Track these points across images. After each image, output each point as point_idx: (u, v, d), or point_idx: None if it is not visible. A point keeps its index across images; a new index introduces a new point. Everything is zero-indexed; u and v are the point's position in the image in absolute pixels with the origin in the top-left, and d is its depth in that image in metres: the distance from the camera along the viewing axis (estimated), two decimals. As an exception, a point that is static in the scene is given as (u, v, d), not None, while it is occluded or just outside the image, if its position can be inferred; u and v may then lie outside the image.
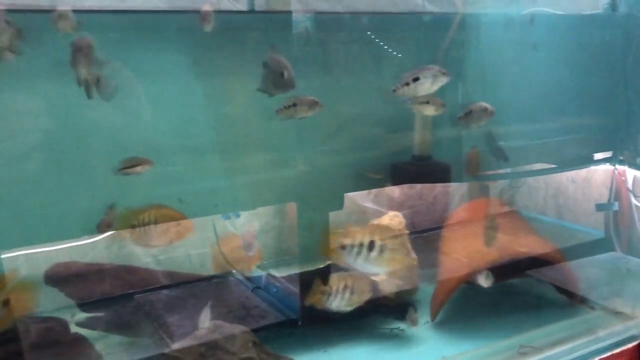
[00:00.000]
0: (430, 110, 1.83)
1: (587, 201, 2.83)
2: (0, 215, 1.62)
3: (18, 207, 1.64)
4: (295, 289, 2.19)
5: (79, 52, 1.45)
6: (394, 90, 1.70)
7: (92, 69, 1.46)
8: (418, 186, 2.93)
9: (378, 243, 1.69)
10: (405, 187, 2.89)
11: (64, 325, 1.83)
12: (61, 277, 2.03)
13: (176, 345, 1.70)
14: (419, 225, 2.97)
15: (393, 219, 2.26)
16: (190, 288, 2.41)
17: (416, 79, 1.69)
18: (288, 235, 2.60)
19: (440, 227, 2.89)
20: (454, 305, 2.24)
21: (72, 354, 1.80)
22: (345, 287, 1.72)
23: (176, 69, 1.79)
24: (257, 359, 1.60)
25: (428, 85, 1.68)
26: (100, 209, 1.68)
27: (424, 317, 2.15)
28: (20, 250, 1.96)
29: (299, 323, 2.07)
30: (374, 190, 2.77)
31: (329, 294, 1.72)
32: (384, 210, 2.83)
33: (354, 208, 2.70)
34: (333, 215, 2.06)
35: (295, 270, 2.34)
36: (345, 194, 2.13)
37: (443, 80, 1.69)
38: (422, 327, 2.12)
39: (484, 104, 1.87)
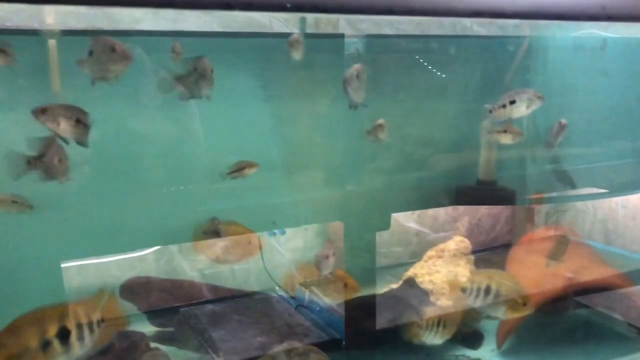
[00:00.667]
0: (507, 139, 1.83)
1: (638, 227, 2.76)
2: (62, 226, 1.67)
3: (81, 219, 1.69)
4: (339, 308, 2.20)
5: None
6: (490, 112, 1.72)
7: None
8: (462, 208, 2.91)
9: (494, 289, 1.70)
10: (449, 209, 2.88)
11: (144, 339, 1.87)
12: (136, 291, 2.08)
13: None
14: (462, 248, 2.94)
15: (459, 243, 2.26)
16: (233, 303, 2.43)
17: (513, 102, 1.70)
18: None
19: (483, 250, 2.86)
20: (521, 334, 2.18)
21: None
22: (439, 321, 1.74)
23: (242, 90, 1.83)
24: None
25: (523, 108, 1.70)
26: (158, 224, 1.72)
27: (489, 344, 2.11)
28: (75, 262, 2.02)
29: (343, 343, 2.07)
30: (417, 212, 2.76)
31: (424, 328, 1.74)
32: (427, 231, 2.82)
33: (397, 228, 2.70)
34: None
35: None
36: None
37: (538, 104, 1.70)
38: (487, 354, 2.08)
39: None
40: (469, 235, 3.00)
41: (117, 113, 1.70)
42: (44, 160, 1.31)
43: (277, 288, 2.52)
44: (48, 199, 1.60)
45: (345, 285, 1.74)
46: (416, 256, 2.78)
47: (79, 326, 1.27)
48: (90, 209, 1.73)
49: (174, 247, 2.36)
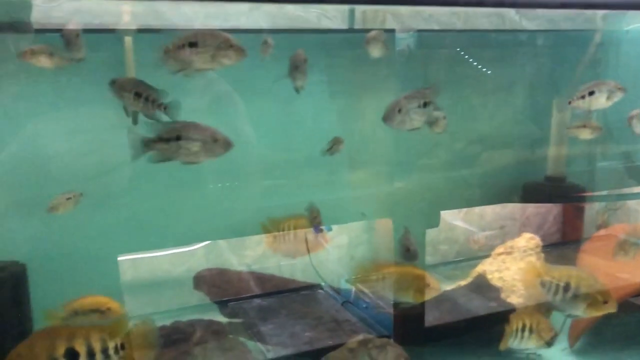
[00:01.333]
0: (586, 134, 1.80)
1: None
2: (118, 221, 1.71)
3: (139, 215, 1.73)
4: (386, 305, 2.20)
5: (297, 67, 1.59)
6: (570, 102, 1.70)
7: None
8: (510, 206, 2.87)
9: (573, 285, 1.68)
10: (497, 207, 2.84)
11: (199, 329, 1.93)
12: (208, 282, 2.12)
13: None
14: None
15: (529, 241, 2.24)
16: (280, 298, 2.45)
17: (592, 93, 1.67)
18: (378, 250, 2.60)
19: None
20: (594, 333, 2.14)
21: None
22: (524, 326, 1.72)
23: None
24: (408, 374, 1.60)
25: (603, 100, 1.67)
26: (209, 219, 1.75)
27: (561, 342, 2.04)
28: (128, 255, 2.07)
29: (391, 340, 2.06)
30: (464, 210, 2.74)
31: (515, 335, 1.72)
32: (473, 229, 2.80)
33: (443, 226, 2.68)
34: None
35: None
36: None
37: (619, 96, 1.67)
38: (559, 353, 2.05)
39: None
40: (517, 233, 2.96)
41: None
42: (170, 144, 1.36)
43: (322, 284, 2.53)
44: (110, 196, 1.65)
45: (427, 284, 1.73)
46: (462, 255, 2.76)
47: (90, 350, 1.28)
48: (149, 203, 1.76)
49: (223, 243, 2.39)
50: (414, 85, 1.82)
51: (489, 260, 2.45)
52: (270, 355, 1.94)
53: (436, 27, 2.25)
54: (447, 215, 2.66)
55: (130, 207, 1.80)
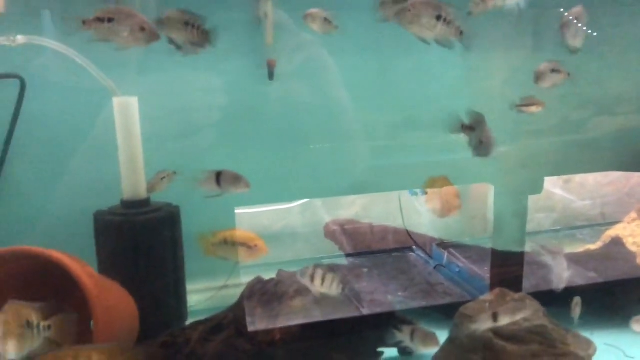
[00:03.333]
0: None
1: None
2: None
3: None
4: (480, 270, 2.19)
5: None
6: None
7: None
8: (613, 174, 2.76)
9: None
10: (599, 175, 2.74)
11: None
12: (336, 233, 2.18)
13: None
14: (609, 216, 2.80)
15: None
16: (372, 259, 2.48)
17: None
18: (471, 216, 2.58)
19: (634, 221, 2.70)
20: None
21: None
22: None
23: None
24: (549, 328, 1.59)
25: None
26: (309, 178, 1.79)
27: None
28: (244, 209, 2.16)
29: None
30: (564, 177, 2.66)
31: None
32: (572, 198, 2.71)
33: (541, 194, 2.62)
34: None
35: (481, 252, 2.34)
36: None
37: None
38: None
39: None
40: (618, 203, 2.85)
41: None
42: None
43: (413, 247, 2.55)
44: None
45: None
46: (559, 224, 2.69)
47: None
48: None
49: (318, 202, 2.44)
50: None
51: (621, 225, 2.38)
52: (365, 312, 1.98)
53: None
54: (546, 183, 2.59)
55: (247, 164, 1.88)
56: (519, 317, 1.53)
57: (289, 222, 2.39)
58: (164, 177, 1.73)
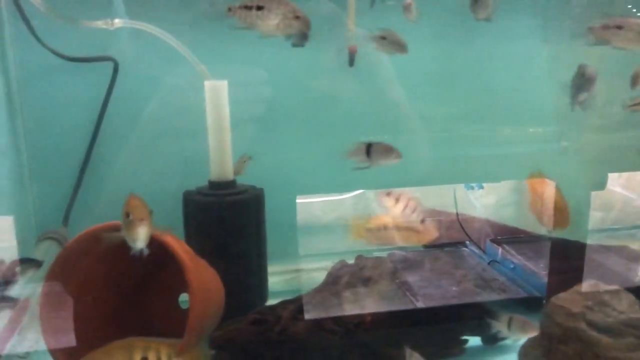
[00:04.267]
0: None
1: None
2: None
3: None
4: (536, 267, 2.15)
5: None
6: None
7: None
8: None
9: None
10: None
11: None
12: None
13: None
14: (671, 217, 2.71)
15: None
16: (425, 253, 2.46)
17: None
18: (528, 212, 2.53)
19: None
20: None
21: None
22: None
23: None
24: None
25: None
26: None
27: None
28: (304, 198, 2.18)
29: (544, 302, 2.03)
30: (624, 174, 2.58)
31: None
32: (633, 196, 2.63)
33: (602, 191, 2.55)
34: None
35: (537, 248, 2.29)
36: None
37: None
38: None
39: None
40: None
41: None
42: None
43: (467, 242, 2.52)
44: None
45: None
46: (619, 222, 2.61)
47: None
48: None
49: (370, 193, 2.43)
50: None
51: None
52: (420, 305, 1.97)
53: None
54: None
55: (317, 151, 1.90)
56: (613, 309, 1.50)
57: (342, 213, 2.39)
58: (245, 161, 1.78)
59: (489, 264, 2.36)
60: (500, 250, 2.39)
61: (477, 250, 2.47)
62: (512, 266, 2.29)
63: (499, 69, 1.98)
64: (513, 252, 2.36)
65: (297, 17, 1.34)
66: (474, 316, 1.79)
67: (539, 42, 1.89)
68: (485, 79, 1.96)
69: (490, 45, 1.89)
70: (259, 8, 1.33)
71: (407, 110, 2.00)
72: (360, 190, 2.37)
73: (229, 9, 1.34)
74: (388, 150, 1.52)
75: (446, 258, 2.43)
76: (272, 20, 1.34)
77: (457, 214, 2.48)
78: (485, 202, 2.54)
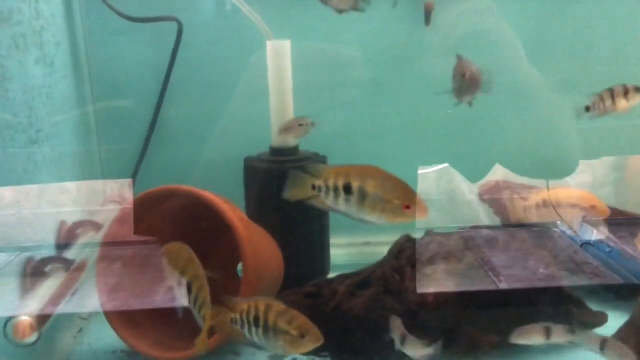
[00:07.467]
0: None
1: None
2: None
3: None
4: (635, 253, 1.96)
5: None
6: None
7: None
8: None
9: None
10: None
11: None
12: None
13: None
14: None
15: None
16: (512, 232, 2.31)
17: None
18: (629, 191, 2.32)
19: None
20: None
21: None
22: None
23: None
24: None
25: None
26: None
27: None
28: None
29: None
30: None
31: None
32: None
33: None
34: None
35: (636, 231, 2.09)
36: None
37: None
38: None
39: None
40: None
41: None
42: None
43: (558, 223, 2.33)
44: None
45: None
46: None
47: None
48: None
49: (454, 170, 2.31)
50: None
51: None
52: (503, 286, 1.83)
53: None
54: None
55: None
56: None
57: (422, 189, 2.26)
58: (302, 125, 1.70)
59: (581, 246, 2.17)
60: (595, 231, 2.20)
61: (568, 232, 2.29)
62: (608, 250, 2.10)
63: (598, 32, 1.79)
64: (610, 234, 2.16)
65: None
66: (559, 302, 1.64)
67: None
68: (584, 43, 1.77)
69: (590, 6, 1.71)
70: None
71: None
72: (444, 165, 2.25)
73: None
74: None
75: (535, 239, 2.27)
76: None
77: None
78: (579, 180, 2.35)
